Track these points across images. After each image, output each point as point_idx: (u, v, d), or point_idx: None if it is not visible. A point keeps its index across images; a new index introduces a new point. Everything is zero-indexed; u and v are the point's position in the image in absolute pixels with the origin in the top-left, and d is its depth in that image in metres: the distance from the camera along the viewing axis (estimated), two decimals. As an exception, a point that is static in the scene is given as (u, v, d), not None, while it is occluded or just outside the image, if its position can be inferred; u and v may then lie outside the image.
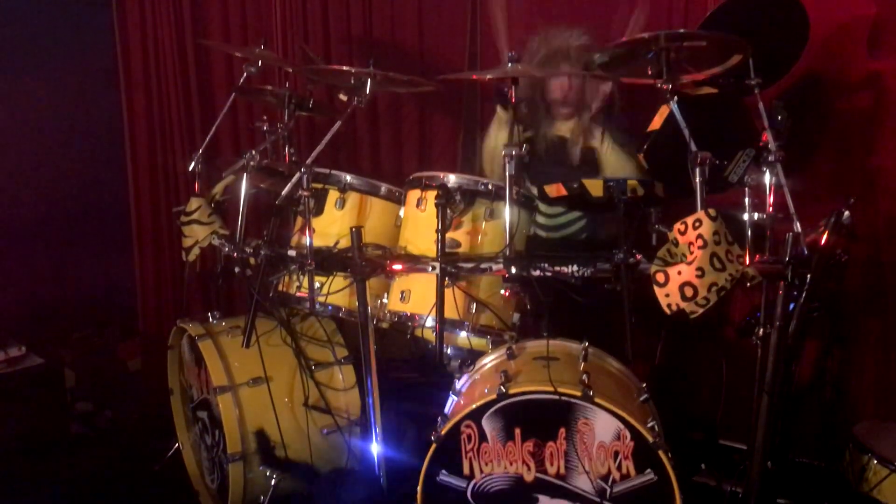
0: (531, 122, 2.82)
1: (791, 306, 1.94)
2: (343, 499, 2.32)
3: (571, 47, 2.66)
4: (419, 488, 1.96)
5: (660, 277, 1.87)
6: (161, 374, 2.90)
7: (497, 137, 2.82)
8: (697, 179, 1.87)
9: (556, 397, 1.87)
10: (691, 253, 1.83)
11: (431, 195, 2.24)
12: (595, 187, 2.09)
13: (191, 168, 2.79)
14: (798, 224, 1.90)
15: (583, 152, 2.74)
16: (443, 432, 1.94)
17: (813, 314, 2.05)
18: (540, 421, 1.91)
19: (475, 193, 2.29)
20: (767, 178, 1.95)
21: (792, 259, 1.88)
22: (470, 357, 2.31)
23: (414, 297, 2.33)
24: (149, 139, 3.85)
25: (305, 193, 2.24)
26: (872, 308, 2.71)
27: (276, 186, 2.37)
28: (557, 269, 2.08)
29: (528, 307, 2.37)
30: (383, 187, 2.49)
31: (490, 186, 2.28)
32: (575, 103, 2.76)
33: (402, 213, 2.45)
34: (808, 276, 1.90)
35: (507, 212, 2.10)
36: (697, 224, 1.83)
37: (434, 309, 2.18)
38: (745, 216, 1.90)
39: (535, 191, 2.45)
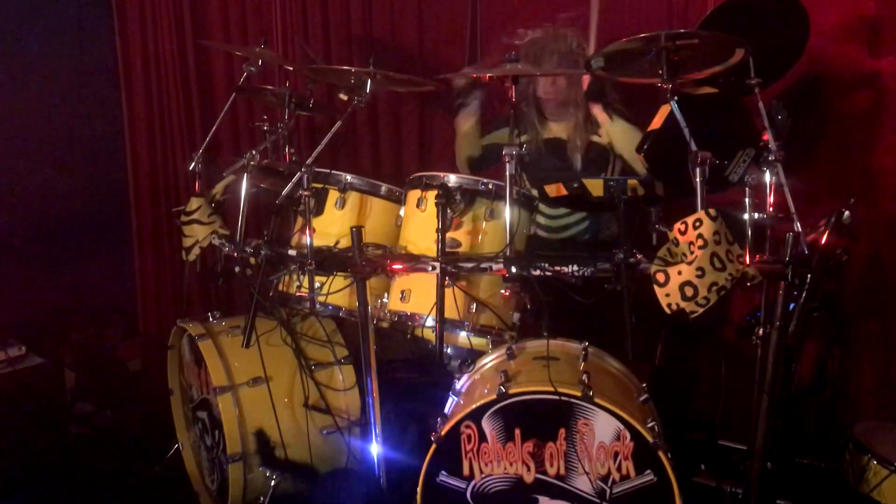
0: (526, 123, 2.82)
1: (791, 306, 1.93)
2: (343, 499, 2.32)
3: (560, 45, 2.67)
4: (419, 489, 1.96)
5: (660, 277, 1.87)
6: (161, 374, 2.89)
7: (461, 148, 2.90)
8: (697, 179, 1.86)
9: (556, 397, 1.87)
10: (691, 253, 1.83)
11: (432, 195, 2.24)
12: (595, 187, 2.09)
13: (191, 168, 2.79)
14: (798, 224, 1.90)
15: (586, 151, 2.74)
16: (442, 433, 1.94)
17: (813, 314, 2.05)
18: (540, 421, 1.91)
19: (475, 193, 2.29)
20: (768, 178, 1.95)
21: (792, 259, 1.88)
22: (470, 357, 2.31)
23: (414, 296, 2.33)
24: (149, 139, 3.85)
25: (306, 193, 2.24)
26: (872, 308, 2.71)
27: (277, 186, 2.37)
28: (557, 268, 2.08)
29: (529, 307, 2.37)
30: (383, 187, 2.49)
31: (490, 186, 2.28)
32: (565, 102, 2.76)
33: (402, 212, 2.45)
34: (809, 275, 1.90)
35: (507, 211, 2.10)
36: (698, 224, 1.82)
37: (434, 309, 2.18)
38: (746, 216, 1.89)
39: (535, 192, 2.45)
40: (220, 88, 3.73)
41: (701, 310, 1.83)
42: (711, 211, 1.83)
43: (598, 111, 2.72)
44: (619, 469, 1.88)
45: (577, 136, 2.75)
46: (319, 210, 2.45)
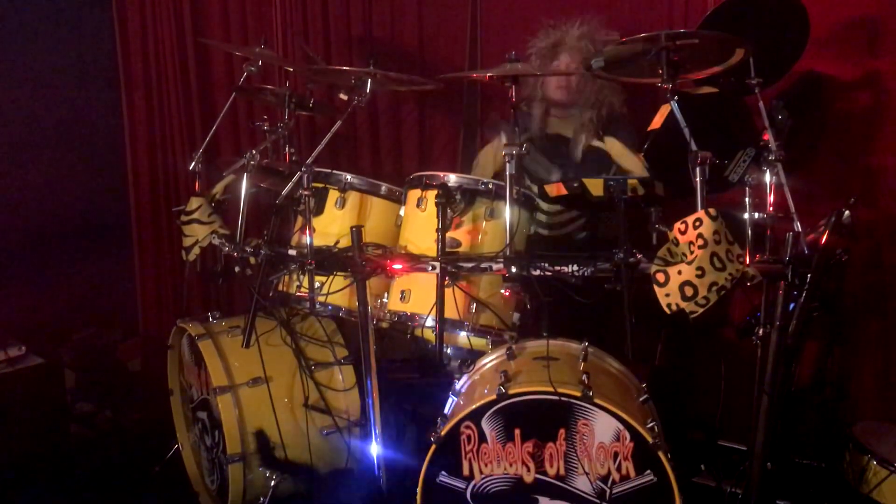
0: (529, 120, 2.83)
1: (791, 306, 1.93)
2: (343, 500, 2.32)
3: (571, 40, 2.67)
4: (419, 489, 1.96)
5: (660, 277, 1.87)
6: (161, 375, 2.89)
7: (486, 159, 2.85)
8: (698, 179, 1.87)
9: (556, 398, 1.87)
10: (691, 252, 1.83)
11: (432, 195, 2.24)
12: (595, 187, 2.09)
13: (191, 168, 2.79)
14: (798, 223, 1.90)
15: (585, 150, 2.74)
16: (442, 433, 1.93)
17: (813, 314, 2.05)
18: (540, 421, 1.91)
19: (475, 193, 2.28)
20: (768, 178, 1.95)
21: (792, 258, 1.88)
22: (470, 357, 2.31)
23: (414, 296, 2.33)
24: (149, 139, 3.85)
25: (306, 193, 2.24)
26: (872, 308, 2.71)
27: (277, 186, 2.37)
28: (557, 268, 2.08)
29: (528, 307, 2.37)
30: (383, 187, 2.49)
31: (490, 186, 2.28)
32: (574, 101, 2.77)
33: (402, 212, 2.45)
34: (809, 275, 1.90)
35: (507, 211, 2.10)
36: (698, 223, 1.82)
37: (434, 308, 2.18)
38: (746, 216, 1.89)
39: (535, 190, 2.45)
40: (220, 88, 3.73)
41: (701, 310, 1.83)
42: (711, 210, 1.83)
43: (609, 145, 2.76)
44: (618, 469, 1.88)
45: (580, 136, 2.75)
46: (319, 210, 2.44)
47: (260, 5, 3.60)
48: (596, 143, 2.76)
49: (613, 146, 2.74)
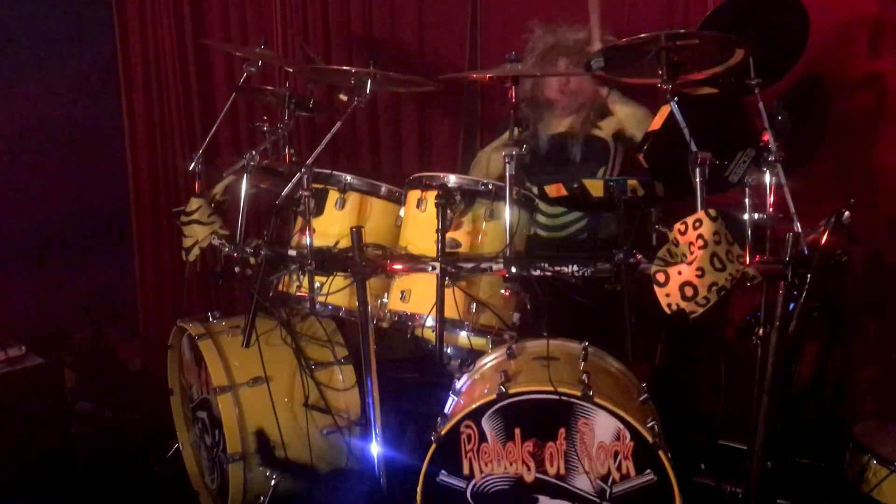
0: (530, 121, 2.83)
1: (791, 306, 1.93)
2: (343, 499, 2.32)
3: (569, 43, 2.67)
4: (419, 489, 1.96)
5: (660, 277, 1.87)
6: (161, 374, 2.90)
7: (491, 156, 2.85)
8: (697, 179, 1.86)
9: (556, 397, 1.87)
10: (691, 253, 1.83)
11: (431, 195, 2.24)
12: (595, 187, 2.09)
13: (191, 168, 2.79)
14: (798, 224, 1.90)
15: (585, 143, 2.74)
16: (442, 432, 1.94)
17: (813, 314, 2.04)
18: (540, 421, 1.91)
19: (475, 193, 2.29)
20: (768, 178, 1.95)
21: (792, 259, 1.87)
22: (470, 357, 2.31)
23: (414, 296, 2.33)
24: (149, 139, 3.86)
25: (306, 193, 2.24)
26: (872, 308, 2.70)
27: (277, 187, 2.37)
28: (557, 268, 2.08)
29: (528, 307, 2.37)
30: (383, 187, 2.49)
31: (490, 186, 2.28)
32: (572, 100, 2.77)
33: (402, 213, 2.45)
34: (809, 275, 1.90)
35: (507, 212, 2.10)
36: (697, 224, 1.82)
37: (434, 308, 2.18)
38: (746, 216, 1.89)
39: (535, 191, 2.46)
40: (220, 88, 3.73)
41: (701, 310, 1.83)
42: (711, 211, 1.82)
43: (604, 92, 2.72)
44: (619, 469, 1.88)
45: (579, 129, 2.76)
46: (319, 210, 2.45)
47: (260, 5, 3.60)
48: (595, 131, 2.76)
49: (620, 109, 2.72)
